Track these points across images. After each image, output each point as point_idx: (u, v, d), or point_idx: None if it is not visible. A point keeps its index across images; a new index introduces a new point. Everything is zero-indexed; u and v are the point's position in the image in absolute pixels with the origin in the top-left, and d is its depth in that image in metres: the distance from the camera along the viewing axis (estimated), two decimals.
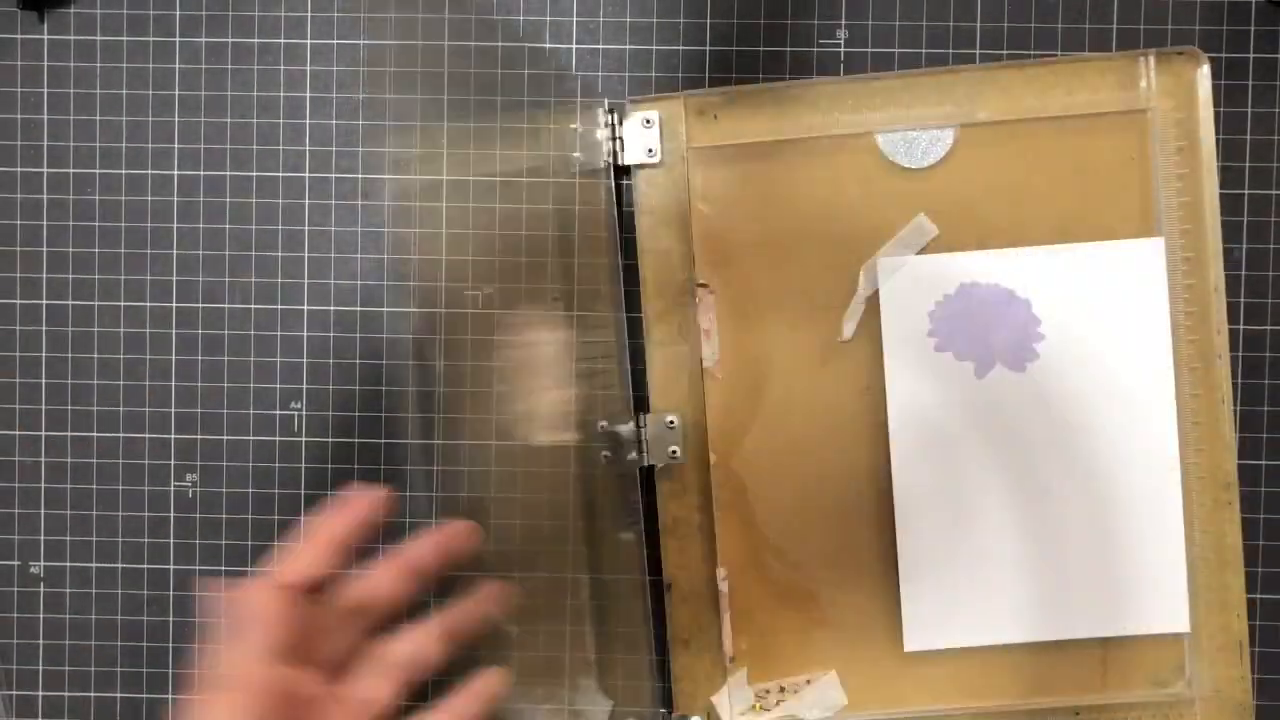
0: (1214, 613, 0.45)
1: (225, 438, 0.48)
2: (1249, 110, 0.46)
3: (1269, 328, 0.47)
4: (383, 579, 0.38)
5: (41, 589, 0.49)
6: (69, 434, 0.48)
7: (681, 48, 0.47)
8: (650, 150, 0.45)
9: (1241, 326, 0.47)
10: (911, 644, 0.46)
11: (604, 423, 0.46)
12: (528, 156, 0.46)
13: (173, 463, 0.48)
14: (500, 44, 0.47)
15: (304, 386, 0.48)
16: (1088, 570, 0.46)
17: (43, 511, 0.49)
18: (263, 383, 0.48)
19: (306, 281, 0.47)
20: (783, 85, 0.46)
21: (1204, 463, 0.45)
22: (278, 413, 0.48)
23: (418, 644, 0.37)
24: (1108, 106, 0.45)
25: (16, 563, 0.49)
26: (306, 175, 0.47)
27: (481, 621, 0.40)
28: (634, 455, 0.46)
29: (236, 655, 0.34)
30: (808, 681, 0.47)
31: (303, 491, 0.48)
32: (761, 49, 0.47)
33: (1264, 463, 0.47)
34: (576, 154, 0.46)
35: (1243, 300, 0.47)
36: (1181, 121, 0.45)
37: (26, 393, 0.48)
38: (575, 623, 0.47)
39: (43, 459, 0.48)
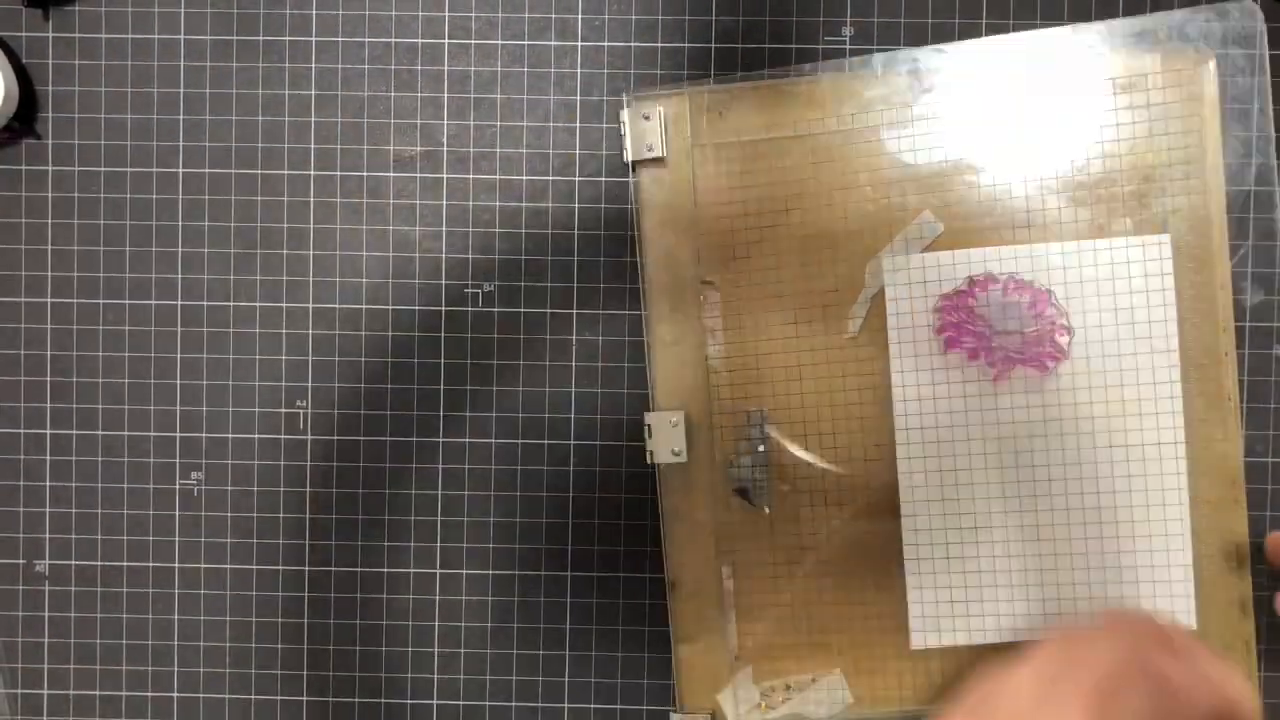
0: (1220, 610, 0.45)
1: (230, 436, 0.48)
2: (1254, 107, 0.46)
3: (1275, 325, 0.47)
4: None
5: (46, 587, 0.49)
6: (74, 432, 0.48)
7: (687, 45, 0.47)
8: (654, 147, 0.45)
9: (1248, 323, 0.47)
10: (917, 642, 0.46)
11: None
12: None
13: (178, 461, 0.48)
14: (502, 42, 0.47)
15: (309, 384, 0.48)
16: (1094, 567, 0.45)
17: (47, 510, 0.49)
18: (268, 380, 0.48)
19: (311, 279, 0.47)
20: (787, 81, 0.46)
21: (1210, 460, 0.45)
22: (283, 411, 0.48)
23: None
24: (1113, 103, 0.45)
25: (21, 561, 0.49)
26: (311, 172, 0.47)
27: None
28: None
29: None
30: (813, 679, 0.46)
31: (308, 489, 0.48)
32: (767, 46, 0.47)
33: (1270, 460, 0.47)
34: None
35: (1249, 297, 0.47)
36: (1188, 118, 0.45)
37: (32, 390, 0.48)
38: (581, 621, 0.47)
39: (48, 457, 0.48)
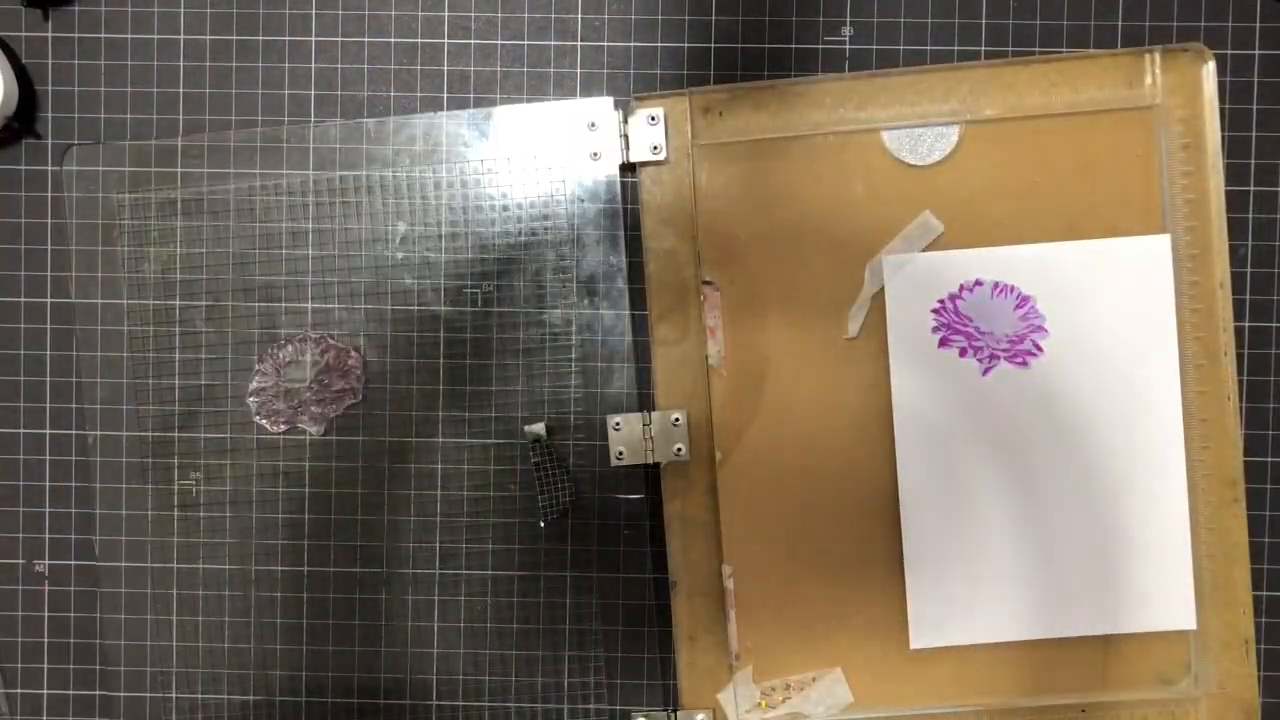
0: (1220, 610, 0.45)
1: (229, 435, 0.48)
2: (1254, 107, 0.46)
3: (1274, 325, 0.47)
4: None
5: (46, 587, 0.49)
6: (73, 432, 0.48)
7: (686, 45, 0.47)
8: (655, 147, 0.45)
9: (1247, 323, 0.47)
10: (917, 641, 0.46)
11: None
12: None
13: (176, 461, 0.48)
14: (502, 42, 0.47)
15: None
16: (1093, 568, 0.46)
17: (47, 510, 0.49)
18: None
19: (310, 279, 0.47)
20: (787, 82, 0.46)
21: (1209, 460, 0.45)
22: None
23: None
24: (1113, 103, 0.45)
25: (21, 561, 0.49)
26: (310, 173, 0.47)
27: None
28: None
29: None
30: (813, 679, 0.46)
31: (307, 490, 0.48)
32: (766, 46, 0.47)
33: (1269, 459, 0.47)
34: (595, 151, 0.46)
35: (1248, 297, 0.47)
36: (1187, 118, 0.45)
37: (31, 390, 0.48)
38: (580, 621, 0.47)
39: (47, 457, 0.48)
